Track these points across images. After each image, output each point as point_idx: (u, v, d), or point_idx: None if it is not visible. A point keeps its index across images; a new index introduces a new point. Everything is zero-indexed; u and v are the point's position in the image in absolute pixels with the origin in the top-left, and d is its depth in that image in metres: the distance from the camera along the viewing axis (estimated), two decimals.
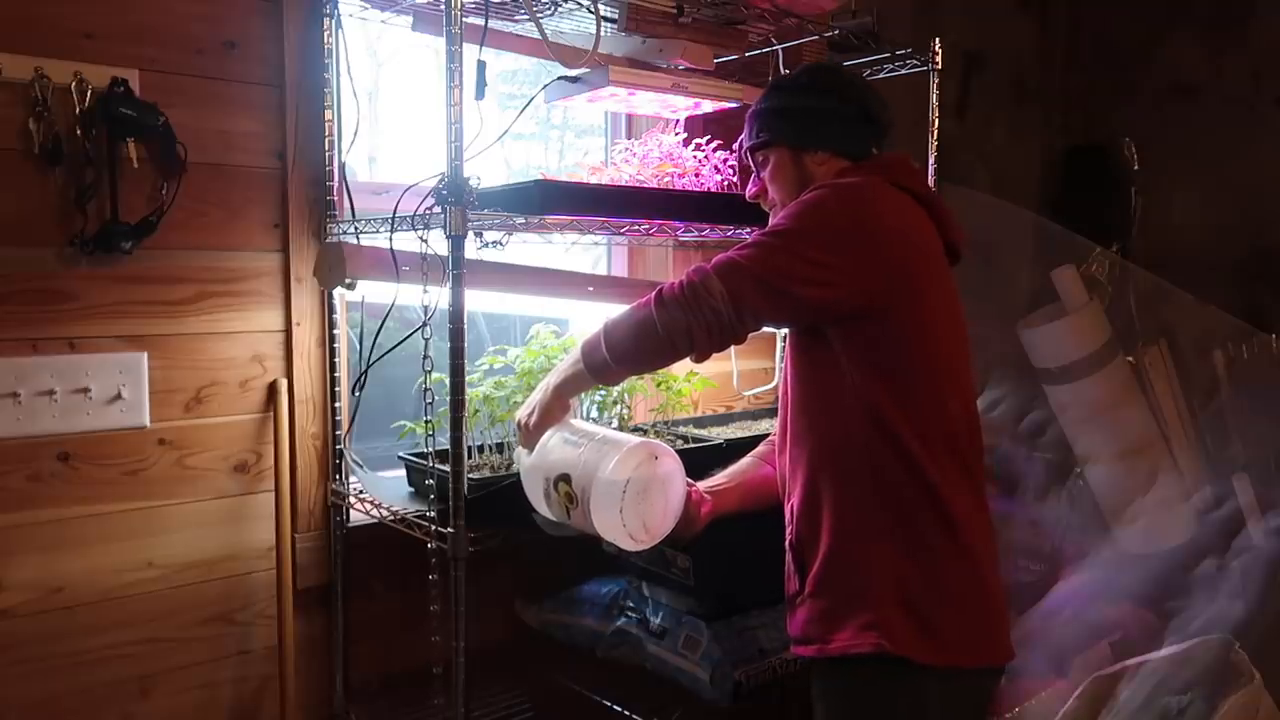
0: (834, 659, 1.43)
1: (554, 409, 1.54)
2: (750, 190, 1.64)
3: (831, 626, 1.43)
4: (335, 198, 1.88)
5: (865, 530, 1.41)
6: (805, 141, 1.54)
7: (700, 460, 1.99)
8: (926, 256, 1.45)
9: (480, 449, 1.86)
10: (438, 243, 1.55)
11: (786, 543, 1.52)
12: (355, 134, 1.87)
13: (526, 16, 1.76)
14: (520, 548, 2.05)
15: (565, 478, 1.49)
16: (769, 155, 1.58)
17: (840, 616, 1.42)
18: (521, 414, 1.57)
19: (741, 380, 2.54)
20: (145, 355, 1.72)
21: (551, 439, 1.55)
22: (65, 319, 1.65)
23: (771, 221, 1.52)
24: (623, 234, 1.99)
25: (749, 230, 2.09)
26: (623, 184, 1.95)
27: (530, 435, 1.55)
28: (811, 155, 1.53)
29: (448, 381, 1.53)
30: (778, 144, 1.56)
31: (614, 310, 2.31)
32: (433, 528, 1.61)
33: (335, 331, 1.90)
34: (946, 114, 2.30)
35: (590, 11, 1.74)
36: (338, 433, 1.91)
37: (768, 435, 2.18)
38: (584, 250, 2.44)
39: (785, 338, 1.59)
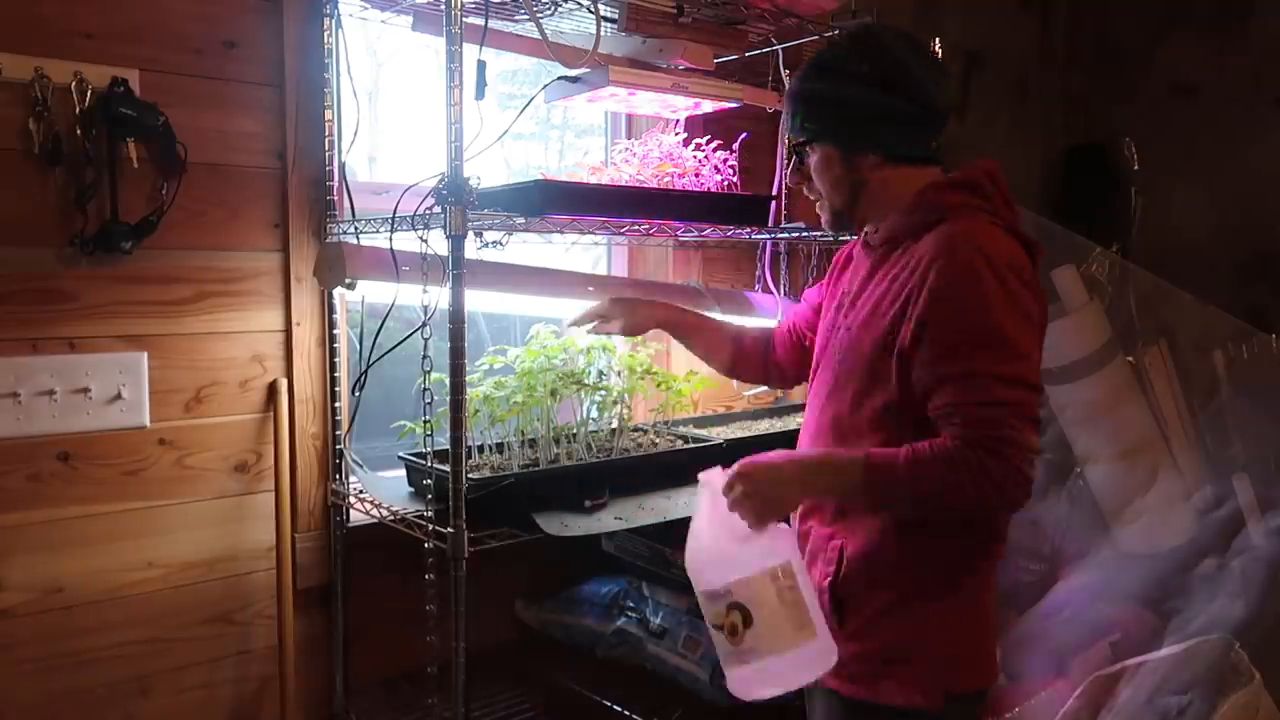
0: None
1: (778, 511, 1.38)
2: (792, 180, 1.53)
3: (881, 675, 1.41)
4: (335, 198, 1.88)
5: (932, 578, 1.40)
6: (859, 146, 1.42)
7: (700, 460, 1.99)
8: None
9: (480, 449, 1.86)
10: (438, 243, 1.55)
11: (826, 583, 1.43)
12: (355, 134, 1.87)
13: (526, 16, 1.76)
14: (520, 548, 2.05)
15: (744, 613, 1.32)
16: (815, 148, 1.45)
17: (891, 667, 1.40)
18: (748, 495, 1.34)
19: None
20: (145, 355, 1.72)
21: (753, 552, 1.34)
22: (65, 319, 1.65)
23: (945, 341, 1.31)
24: (623, 234, 1.99)
25: (749, 231, 2.10)
26: (623, 184, 1.95)
27: (759, 520, 1.35)
28: (863, 158, 1.42)
29: (448, 381, 1.53)
30: (826, 142, 1.44)
31: None
32: (432, 528, 1.61)
33: (335, 331, 1.90)
34: None
35: (590, 11, 1.74)
36: (338, 433, 1.91)
37: (769, 434, 2.19)
38: (584, 250, 2.44)
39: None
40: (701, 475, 1.39)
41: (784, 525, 1.39)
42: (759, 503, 1.34)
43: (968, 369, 1.28)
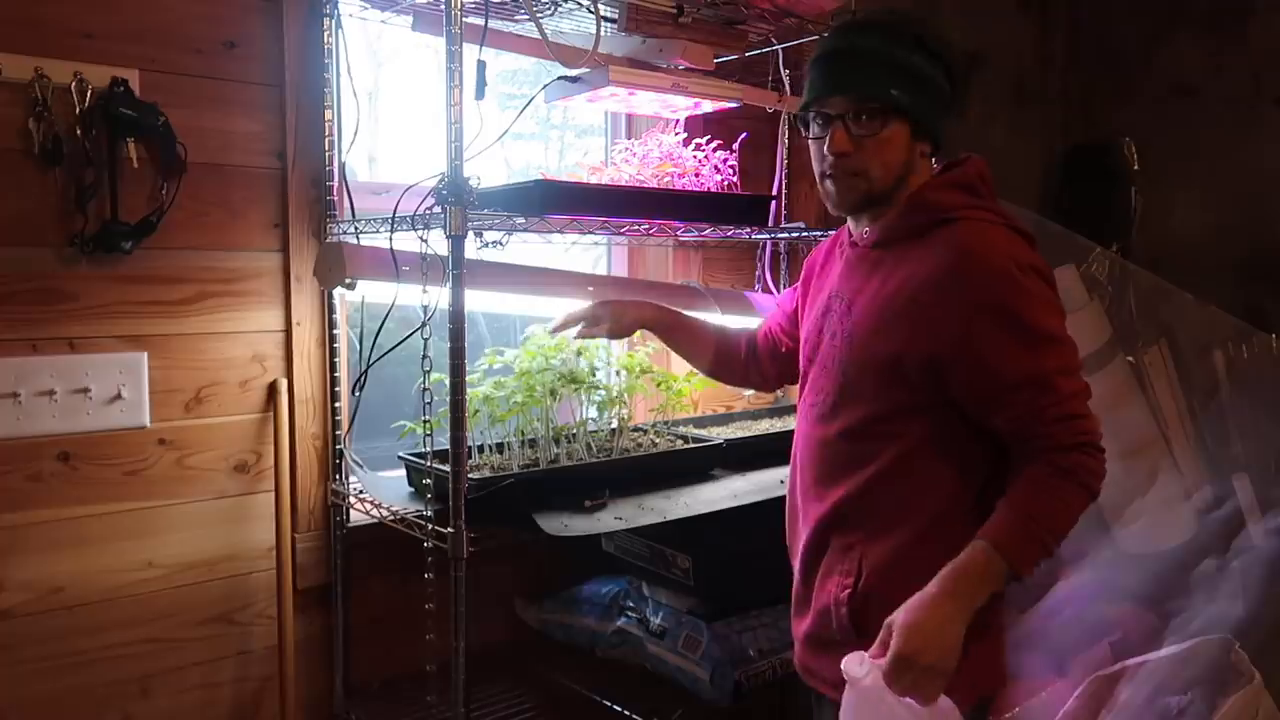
0: None
1: (951, 670, 1.25)
2: (842, 143, 1.36)
3: None
4: (335, 198, 1.88)
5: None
6: (927, 130, 1.39)
7: (700, 460, 2.00)
8: None
9: (480, 449, 1.86)
10: (438, 243, 1.55)
11: (844, 595, 1.41)
12: (355, 134, 1.87)
13: (526, 16, 1.77)
14: (520, 548, 2.05)
15: None
16: (889, 122, 1.35)
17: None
18: (926, 671, 1.23)
19: None
20: (145, 355, 1.72)
21: None
22: (65, 319, 1.65)
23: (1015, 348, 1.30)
24: (623, 234, 1.99)
25: (749, 231, 2.09)
26: (623, 184, 1.95)
27: (929, 691, 1.24)
28: (922, 144, 1.40)
29: (448, 381, 1.53)
30: (905, 117, 1.36)
31: None
32: (432, 528, 1.61)
33: (335, 331, 1.90)
34: None
35: (590, 11, 1.74)
36: (338, 433, 1.91)
37: (769, 434, 2.19)
38: (584, 250, 2.44)
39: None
40: (846, 668, 1.25)
41: None
42: (935, 674, 1.24)
43: (1033, 374, 1.29)
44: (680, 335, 1.80)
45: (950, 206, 1.38)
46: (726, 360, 1.79)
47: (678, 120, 2.26)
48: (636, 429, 2.11)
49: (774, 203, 2.10)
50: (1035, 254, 1.38)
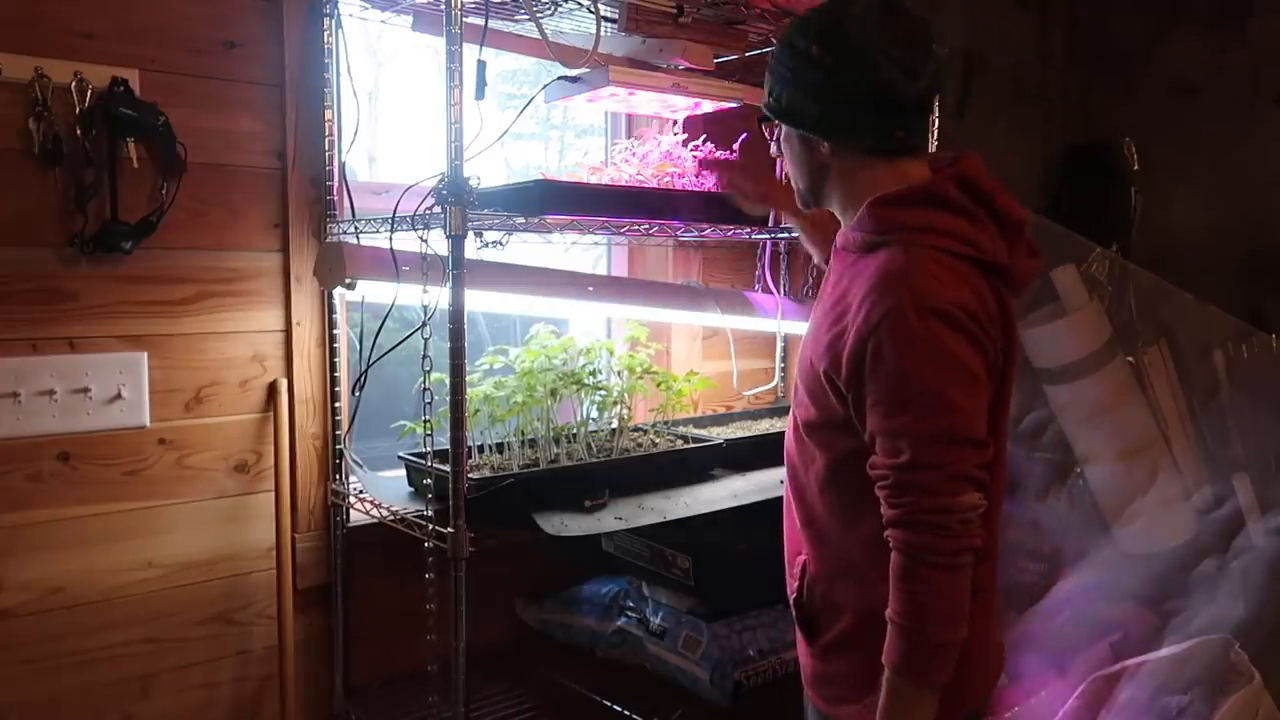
0: None
1: None
2: (773, 152, 1.42)
3: (840, 699, 1.38)
4: (335, 198, 1.88)
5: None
6: (809, 129, 1.31)
7: (700, 460, 2.00)
8: (1004, 345, 1.29)
9: (480, 449, 1.86)
10: (438, 243, 1.55)
11: (793, 599, 1.43)
12: (355, 134, 1.87)
13: (526, 16, 1.76)
14: (520, 548, 2.05)
15: None
16: (779, 128, 1.37)
17: (848, 693, 1.36)
18: None
19: (741, 380, 2.54)
20: (145, 355, 1.72)
21: None
22: (65, 319, 1.65)
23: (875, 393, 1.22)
24: (623, 234, 1.99)
25: (749, 231, 2.09)
26: (623, 184, 1.95)
27: None
28: (820, 144, 1.31)
29: (448, 381, 1.53)
30: (782, 119, 1.34)
31: (613, 310, 2.33)
32: (432, 528, 1.61)
33: (335, 331, 1.90)
34: (946, 114, 2.30)
35: (590, 11, 1.74)
36: (338, 433, 1.91)
37: (769, 434, 2.19)
38: (584, 250, 2.44)
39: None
40: None
41: None
42: None
43: (892, 426, 1.19)
44: (810, 229, 1.75)
45: (890, 226, 1.27)
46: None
47: (677, 120, 2.26)
48: (636, 429, 2.11)
49: None
50: (971, 296, 1.22)
